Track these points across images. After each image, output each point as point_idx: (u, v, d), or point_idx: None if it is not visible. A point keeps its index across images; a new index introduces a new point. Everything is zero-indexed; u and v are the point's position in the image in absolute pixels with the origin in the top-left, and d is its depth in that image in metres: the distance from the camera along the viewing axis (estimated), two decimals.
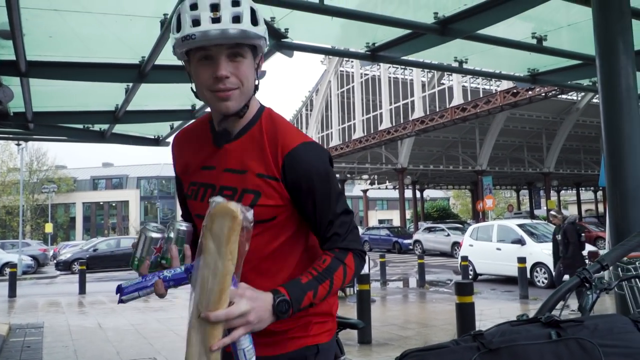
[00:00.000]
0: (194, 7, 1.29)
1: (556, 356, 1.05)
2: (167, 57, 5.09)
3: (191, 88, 1.41)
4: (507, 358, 1.06)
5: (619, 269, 2.25)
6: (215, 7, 1.28)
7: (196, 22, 1.28)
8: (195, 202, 1.49)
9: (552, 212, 10.11)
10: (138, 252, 1.41)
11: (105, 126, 8.10)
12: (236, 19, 1.28)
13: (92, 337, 7.75)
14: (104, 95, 6.53)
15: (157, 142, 9.03)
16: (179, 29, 1.31)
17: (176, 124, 8.10)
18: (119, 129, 8.31)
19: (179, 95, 6.76)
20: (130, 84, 5.84)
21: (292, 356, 1.45)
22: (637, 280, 2.04)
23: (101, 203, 65.14)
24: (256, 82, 1.42)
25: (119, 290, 1.35)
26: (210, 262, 1.18)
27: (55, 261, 27.45)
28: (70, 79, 5.56)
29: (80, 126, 8.16)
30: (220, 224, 1.18)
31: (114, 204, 65.07)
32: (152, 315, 9.86)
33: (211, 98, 1.37)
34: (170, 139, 7.38)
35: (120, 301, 1.37)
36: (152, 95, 6.53)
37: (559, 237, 9.43)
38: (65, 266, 25.14)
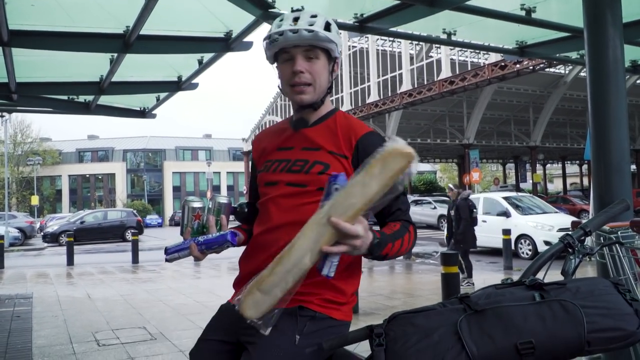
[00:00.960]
0: (281, 19, 1.64)
1: (539, 317, 1.09)
2: (153, 27, 5.00)
3: (278, 86, 1.74)
4: (492, 319, 1.10)
5: (602, 238, 2.30)
6: (296, 19, 1.62)
7: (279, 29, 1.61)
8: (267, 174, 1.75)
9: (450, 185, 9.91)
10: (183, 221, 1.69)
11: (90, 97, 7.98)
12: (310, 25, 1.60)
13: (81, 307, 7.80)
14: (89, 66, 6.42)
15: (142, 114, 8.91)
16: (267, 36, 1.65)
17: (162, 95, 7.99)
18: (104, 100, 8.19)
19: (165, 67, 6.67)
20: (115, 55, 5.74)
21: (286, 311, 1.51)
22: (617, 248, 2.10)
23: (87, 176, 64.57)
24: (331, 82, 1.72)
25: (165, 251, 1.65)
26: (367, 182, 1.30)
27: (42, 233, 27.33)
28: (54, 49, 5.45)
29: (65, 97, 8.03)
30: (396, 160, 1.30)
31: (100, 177, 64.55)
32: (140, 286, 9.91)
33: (290, 92, 1.68)
34: (157, 111, 7.20)
35: (166, 260, 1.66)
36: (137, 66, 6.43)
37: (452, 212, 9.31)
38: (52, 238, 25.08)
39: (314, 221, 1.34)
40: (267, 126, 2.00)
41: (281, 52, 1.65)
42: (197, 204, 1.68)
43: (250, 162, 1.93)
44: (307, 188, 1.63)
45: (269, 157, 1.77)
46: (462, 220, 9.02)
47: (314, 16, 1.62)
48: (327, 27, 1.63)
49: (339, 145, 1.65)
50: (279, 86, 1.73)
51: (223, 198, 1.70)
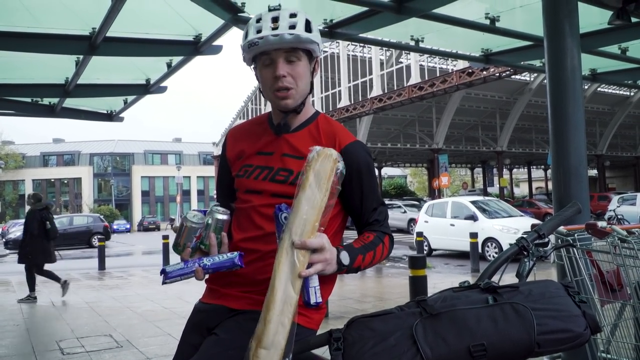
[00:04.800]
0: (258, 20, 1.57)
1: (491, 319, 1.12)
2: (120, 29, 4.94)
3: (259, 89, 1.71)
4: (447, 322, 1.13)
5: (559, 240, 2.37)
6: (275, 20, 1.55)
7: (259, 32, 1.55)
8: (248, 180, 1.69)
9: (28, 194, 9.70)
10: (181, 240, 1.57)
11: (55, 100, 7.81)
12: (292, 27, 1.54)
13: (45, 315, 7.60)
14: (53, 68, 6.29)
15: (110, 117, 8.77)
16: (246, 38, 1.58)
17: (130, 98, 7.89)
18: (70, 103, 8.02)
19: (133, 69, 6.58)
20: (81, 57, 5.64)
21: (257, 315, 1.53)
22: (574, 250, 2.17)
23: (52, 180, 63.04)
24: (311, 82, 1.67)
25: (164, 273, 1.52)
26: (310, 195, 1.33)
27: (4, 240, 26.56)
28: (16, 50, 5.32)
29: (29, 100, 7.85)
30: (323, 164, 1.36)
31: (65, 181, 63.11)
32: (107, 293, 9.73)
33: (273, 97, 1.62)
34: (124, 114, 7.12)
35: (164, 283, 1.55)
36: (104, 69, 6.33)
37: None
38: (15, 245, 24.31)
39: (280, 255, 1.31)
40: None
41: (261, 55, 1.59)
42: (197, 224, 1.57)
43: (221, 159, 1.86)
44: (293, 200, 1.61)
45: (248, 162, 1.72)
46: (28, 232, 8.79)
47: (294, 15, 1.56)
48: (308, 25, 1.57)
49: None
50: (259, 89, 1.68)
51: (222, 214, 1.61)
